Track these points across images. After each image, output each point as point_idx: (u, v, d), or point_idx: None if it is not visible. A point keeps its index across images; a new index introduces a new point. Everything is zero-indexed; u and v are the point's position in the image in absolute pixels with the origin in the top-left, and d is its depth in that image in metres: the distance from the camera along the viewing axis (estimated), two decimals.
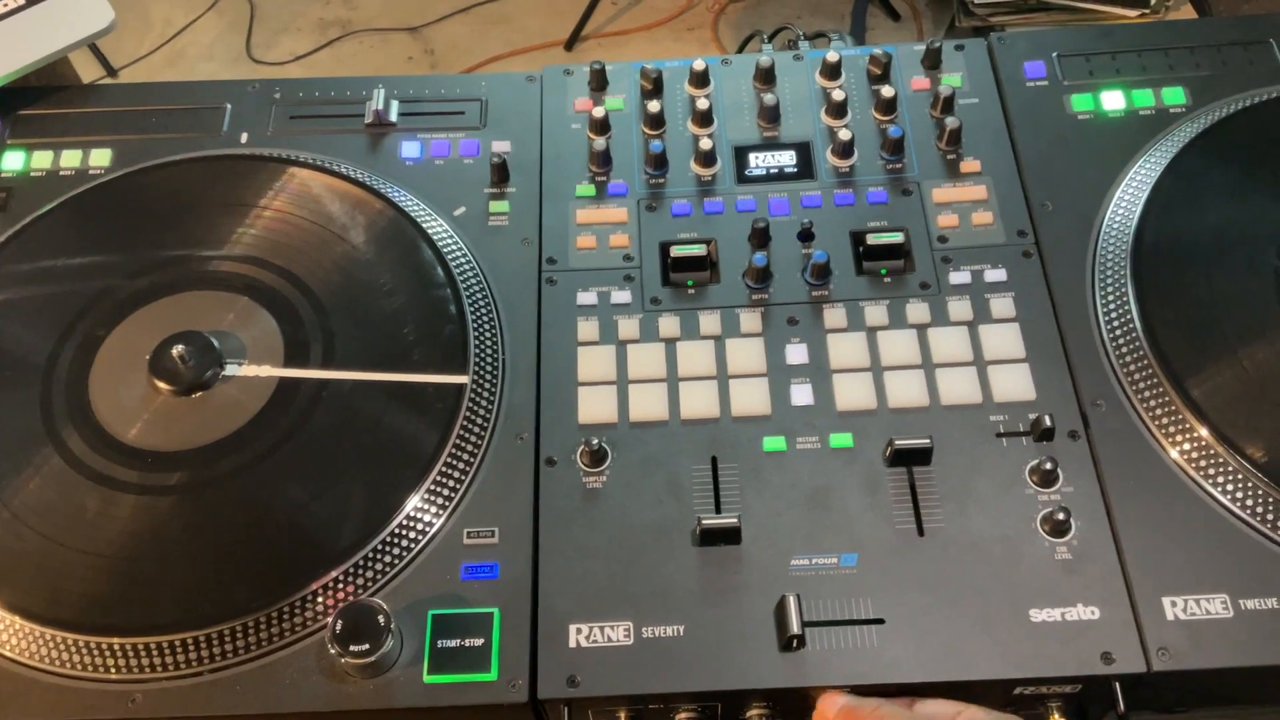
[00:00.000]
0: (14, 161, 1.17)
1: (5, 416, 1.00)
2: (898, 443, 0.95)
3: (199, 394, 1.00)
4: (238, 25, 3.11)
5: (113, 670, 0.89)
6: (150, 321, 1.04)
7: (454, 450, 0.97)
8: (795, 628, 0.87)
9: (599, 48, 3.02)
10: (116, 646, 0.89)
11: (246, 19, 3.12)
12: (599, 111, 1.16)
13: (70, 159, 1.17)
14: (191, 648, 0.89)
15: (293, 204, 1.10)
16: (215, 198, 1.11)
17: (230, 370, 1.01)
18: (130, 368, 1.01)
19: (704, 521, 0.92)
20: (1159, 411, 0.97)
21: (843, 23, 3.03)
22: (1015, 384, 0.99)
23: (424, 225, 1.08)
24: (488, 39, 3.05)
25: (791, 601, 0.88)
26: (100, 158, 1.17)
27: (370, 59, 3.03)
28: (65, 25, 1.20)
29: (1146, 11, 2.58)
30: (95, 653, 0.89)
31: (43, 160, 1.17)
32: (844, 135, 1.12)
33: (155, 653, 0.88)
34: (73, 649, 0.89)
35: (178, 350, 1.00)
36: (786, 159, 1.14)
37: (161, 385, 1.00)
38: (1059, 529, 0.92)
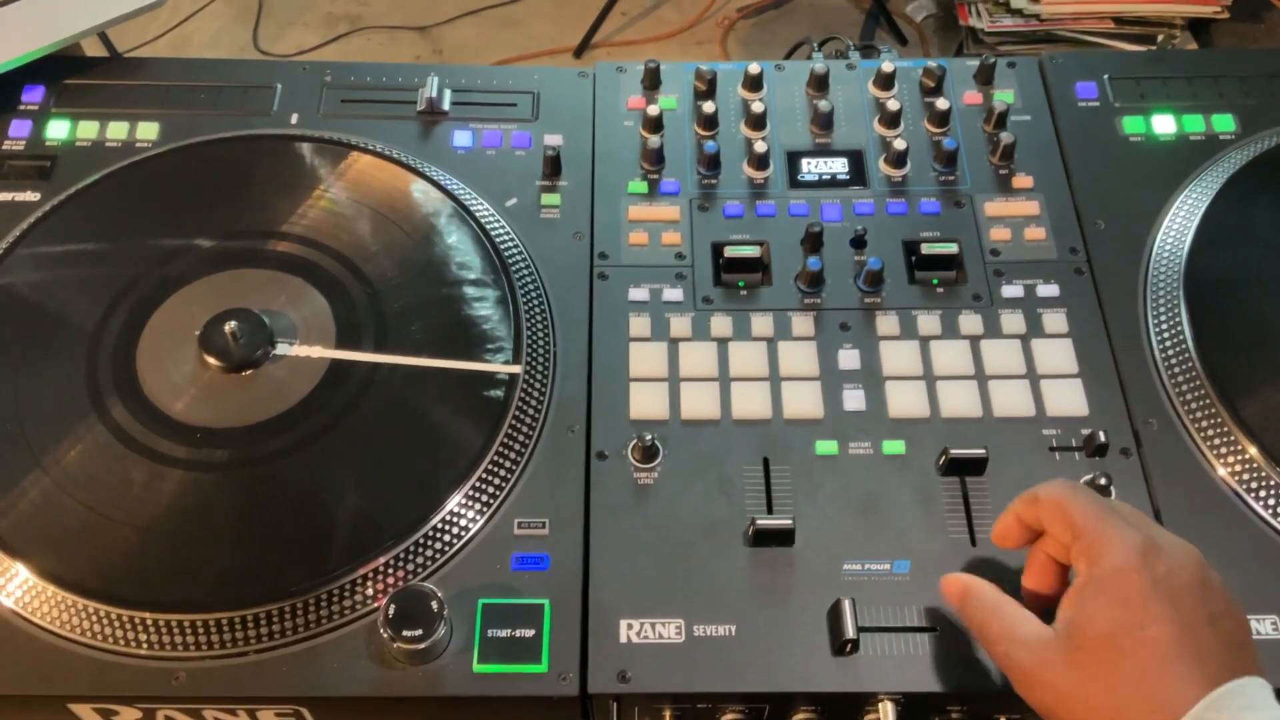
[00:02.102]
0: (59, 130, 1.15)
1: (50, 385, 0.98)
2: (953, 452, 0.95)
3: (248, 372, 0.99)
4: (245, 15, 3.10)
5: (156, 647, 0.87)
6: (200, 297, 1.03)
7: (505, 440, 0.96)
8: (850, 632, 0.87)
9: (608, 56, 3.02)
10: (161, 623, 0.87)
11: (254, 9, 3.11)
12: (653, 109, 1.16)
13: (117, 130, 1.15)
14: (238, 627, 0.87)
15: (347, 187, 1.10)
16: (269, 177, 1.10)
17: (281, 350, 1.00)
18: (179, 343, 1.00)
19: (758, 522, 0.92)
20: (1210, 432, 0.97)
21: None
22: (1068, 399, 1.00)
23: (477, 214, 1.07)
24: (496, 42, 3.05)
25: (847, 605, 0.88)
26: (147, 131, 1.15)
27: (378, 57, 3.02)
28: None
29: (1152, 48, 2.62)
30: (139, 628, 0.87)
31: (88, 130, 1.15)
32: (899, 145, 1.12)
33: (201, 631, 0.87)
34: (115, 623, 0.87)
35: (230, 327, 0.98)
36: (839, 166, 1.14)
37: (211, 361, 0.98)
38: None
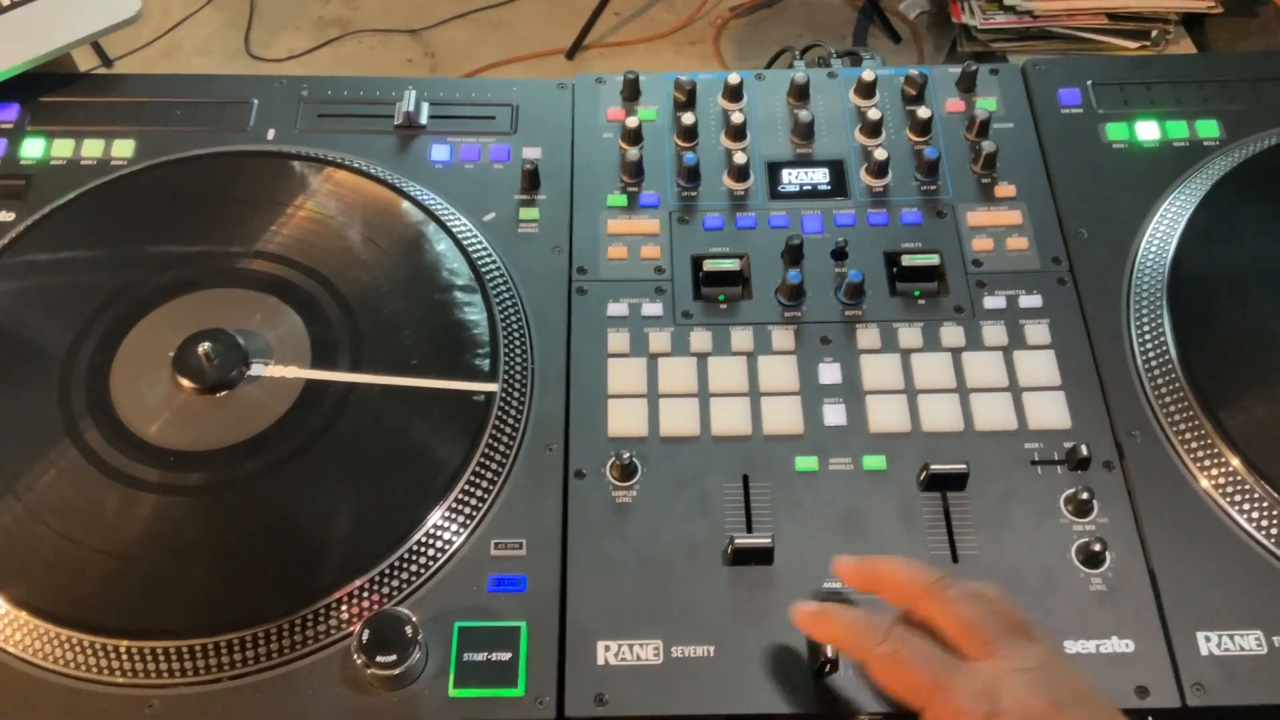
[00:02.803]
0: (34, 149, 1.14)
1: (22, 408, 0.97)
2: (934, 467, 0.94)
3: (223, 393, 0.98)
4: (236, 20, 3.09)
5: (128, 674, 0.86)
6: (174, 318, 1.02)
7: (482, 459, 0.95)
8: (830, 652, 0.86)
9: (600, 57, 3.01)
10: (135, 650, 0.86)
11: (245, 14, 3.09)
12: (632, 121, 1.15)
13: (92, 148, 1.14)
14: (211, 653, 0.86)
15: (322, 204, 1.09)
16: (244, 194, 1.09)
17: (256, 370, 0.99)
18: (153, 364, 0.99)
19: (737, 541, 0.91)
20: (1194, 444, 0.96)
21: (843, 42, 3.04)
22: (1051, 412, 0.99)
23: (454, 230, 1.07)
24: (488, 44, 3.04)
25: None
26: (123, 149, 1.14)
27: (370, 60, 3.01)
28: (91, 12, 1.17)
29: (1146, 44, 2.60)
30: (111, 656, 0.86)
31: (64, 149, 1.14)
32: (880, 154, 1.11)
33: (174, 658, 0.86)
34: (88, 651, 0.87)
35: (203, 348, 0.97)
36: (820, 176, 1.13)
37: (185, 383, 0.97)
38: (1094, 560, 0.91)
